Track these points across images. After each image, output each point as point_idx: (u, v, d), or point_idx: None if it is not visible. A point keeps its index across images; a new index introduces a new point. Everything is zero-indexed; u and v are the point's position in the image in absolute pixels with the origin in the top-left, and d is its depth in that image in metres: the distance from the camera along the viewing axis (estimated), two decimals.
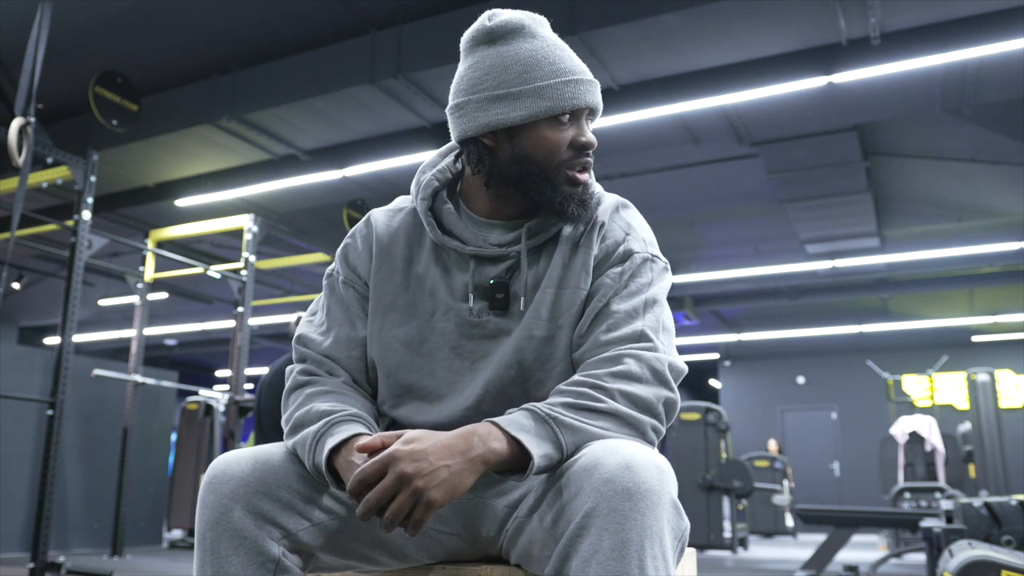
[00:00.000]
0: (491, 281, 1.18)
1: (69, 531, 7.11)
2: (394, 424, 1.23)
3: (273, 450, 1.12)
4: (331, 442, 1.06)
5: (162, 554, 7.15)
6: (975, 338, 14.15)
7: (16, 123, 3.83)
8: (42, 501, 4.45)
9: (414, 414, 1.19)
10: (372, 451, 1.01)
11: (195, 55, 6.44)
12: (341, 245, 1.30)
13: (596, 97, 1.18)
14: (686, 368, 1.15)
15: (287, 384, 1.23)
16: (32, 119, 3.88)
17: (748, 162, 7.70)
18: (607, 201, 1.24)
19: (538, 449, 0.99)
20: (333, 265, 1.30)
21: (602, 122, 6.18)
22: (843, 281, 11.50)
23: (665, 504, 0.92)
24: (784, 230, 9.53)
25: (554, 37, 1.20)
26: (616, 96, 6.05)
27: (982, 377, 8.73)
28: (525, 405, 1.04)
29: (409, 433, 1.00)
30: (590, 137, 1.17)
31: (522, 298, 1.17)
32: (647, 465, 0.93)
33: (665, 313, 1.16)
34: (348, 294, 1.25)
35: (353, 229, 1.30)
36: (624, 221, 1.22)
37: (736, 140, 6.89)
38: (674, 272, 10.97)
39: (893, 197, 8.60)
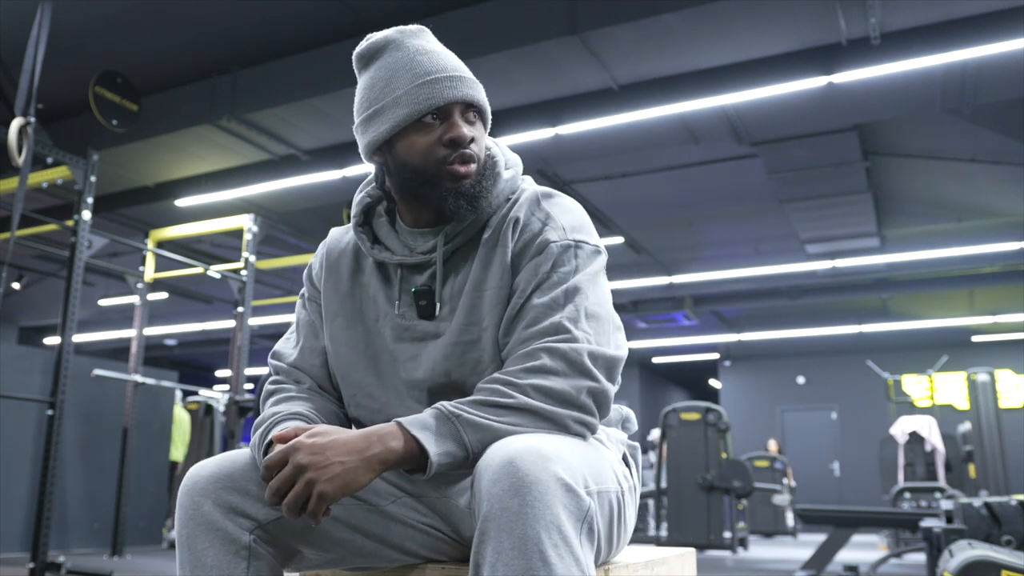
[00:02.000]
0: (413, 290, 1.21)
1: (69, 531, 7.10)
2: (358, 425, 1.27)
3: (244, 451, 1.18)
4: (268, 438, 1.11)
5: (162, 554, 7.15)
6: (975, 338, 14.15)
7: (16, 123, 3.83)
8: (42, 501, 4.45)
9: (368, 415, 1.24)
10: (285, 441, 1.05)
11: (195, 55, 6.44)
12: (307, 267, 1.37)
13: (461, 91, 1.16)
14: (622, 353, 1.13)
15: (262, 394, 1.30)
16: (32, 119, 3.88)
17: (748, 162, 7.70)
18: (526, 195, 1.23)
19: (437, 447, 1.00)
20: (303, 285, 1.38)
21: (602, 122, 6.19)
22: (843, 281, 11.50)
23: (553, 490, 0.92)
24: (784, 230, 9.53)
25: (422, 44, 1.20)
26: (616, 96, 6.05)
27: (982, 377, 8.73)
28: (436, 404, 1.05)
29: (318, 427, 1.03)
30: (459, 131, 1.15)
31: (437, 304, 1.19)
32: (529, 455, 0.93)
33: (590, 300, 1.13)
34: (312, 309, 1.33)
35: (317, 249, 1.38)
36: (543, 212, 1.19)
37: (736, 140, 6.89)
38: (674, 272, 10.94)
39: (893, 197, 8.60)
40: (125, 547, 6.77)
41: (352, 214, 1.30)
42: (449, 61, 1.19)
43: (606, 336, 1.13)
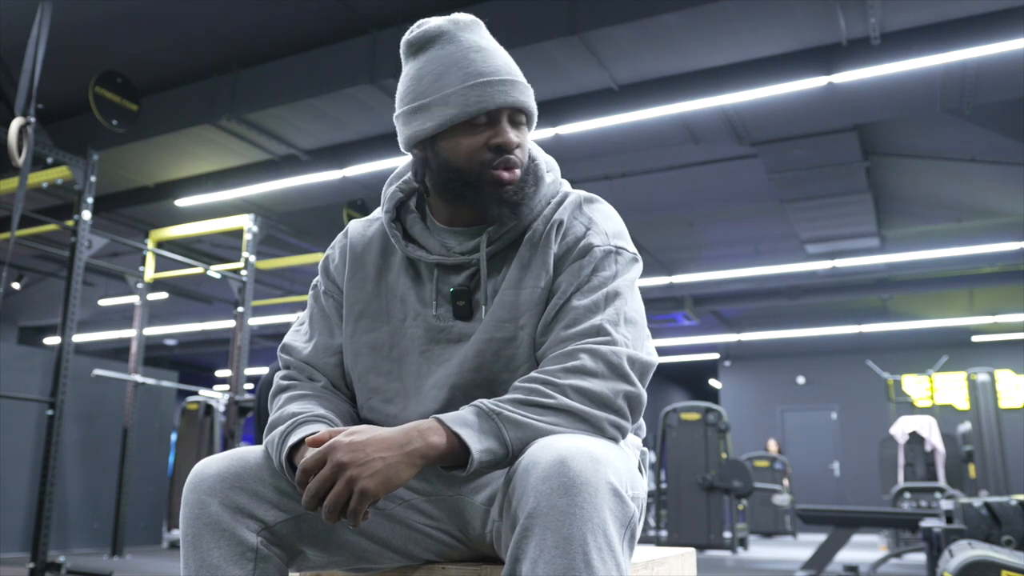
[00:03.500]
0: (451, 289, 1.20)
1: (69, 531, 7.10)
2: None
3: (251, 449, 1.16)
4: (292, 440, 1.10)
5: (162, 554, 7.15)
6: (975, 338, 14.15)
7: (16, 123, 3.83)
8: (42, 501, 4.45)
9: (385, 418, 1.22)
10: (320, 444, 1.04)
11: (195, 55, 6.44)
12: (323, 257, 1.34)
13: (512, 96, 1.15)
14: (654, 360, 1.14)
15: (271, 389, 1.27)
16: (32, 119, 3.88)
17: (748, 162, 7.70)
18: (569, 199, 1.23)
19: (478, 444, 1.00)
20: (317, 277, 1.35)
21: (602, 122, 6.19)
22: (843, 281, 11.49)
23: (603, 494, 0.92)
24: (784, 230, 9.52)
25: (475, 39, 1.18)
26: (616, 96, 6.04)
27: (982, 377, 8.72)
28: (475, 401, 1.05)
29: (353, 427, 1.03)
30: (506, 137, 1.14)
31: (483, 306, 1.18)
32: (580, 457, 0.93)
33: (629, 305, 1.14)
34: (328, 304, 1.30)
35: (334, 241, 1.34)
36: (586, 217, 1.20)
37: (736, 140, 6.89)
38: (674, 272, 10.92)
39: (893, 197, 8.60)
40: (125, 547, 6.77)
41: (384, 209, 1.27)
42: (503, 62, 1.17)
43: (641, 342, 1.13)
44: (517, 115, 1.17)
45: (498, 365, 1.16)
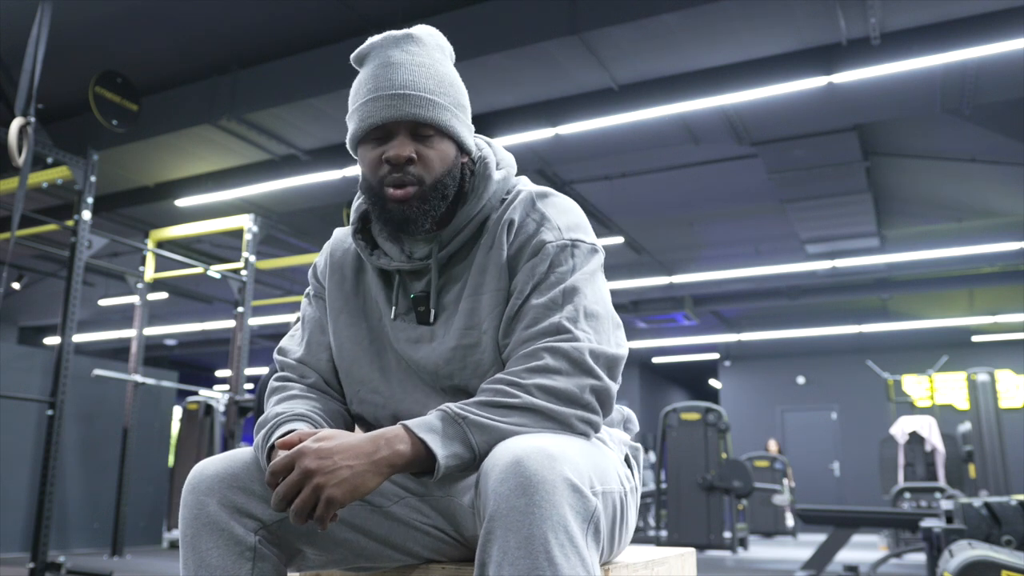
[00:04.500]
0: (411, 296, 1.22)
1: (69, 531, 7.10)
2: (361, 421, 1.28)
3: (249, 450, 1.18)
4: (273, 439, 1.12)
5: (162, 554, 7.15)
6: (975, 338, 14.15)
7: (16, 123, 3.83)
8: (42, 501, 4.45)
9: (371, 411, 1.24)
10: (290, 446, 1.05)
11: (195, 55, 6.44)
12: (312, 265, 1.38)
13: (403, 110, 1.13)
14: (623, 352, 1.13)
15: (266, 391, 1.30)
16: (32, 119, 3.88)
17: (748, 162, 7.70)
18: (521, 196, 1.22)
19: (444, 450, 1.00)
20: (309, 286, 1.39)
21: (602, 122, 6.19)
22: (843, 281, 11.50)
23: (560, 490, 0.92)
24: (784, 230, 9.53)
25: (392, 54, 1.17)
26: (616, 96, 6.04)
27: (982, 377, 8.72)
28: (442, 405, 1.05)
29: (323, 432, 1.03)
30: (394, 151, 1.13)
31: (433, 310, 1.20)
32: (536, 455, 0.93)
33: (589, 299, 1.13)
34: (319, 306, 1.33)
35: (322, 249, 1.38)
36: (538, 213, 1.19)
37: (736, 140, 6.89)
38: (674, 272, 10.90)
39: (893, 197, 8.60)
40: (125, 547, 6.78)
41: (351, 220, 1.30)
42: (408, 76, 1.15)
43: (606, 335, 1.13)
44: (420, 128, 1.15)
45: (467, 371, 1.17)
